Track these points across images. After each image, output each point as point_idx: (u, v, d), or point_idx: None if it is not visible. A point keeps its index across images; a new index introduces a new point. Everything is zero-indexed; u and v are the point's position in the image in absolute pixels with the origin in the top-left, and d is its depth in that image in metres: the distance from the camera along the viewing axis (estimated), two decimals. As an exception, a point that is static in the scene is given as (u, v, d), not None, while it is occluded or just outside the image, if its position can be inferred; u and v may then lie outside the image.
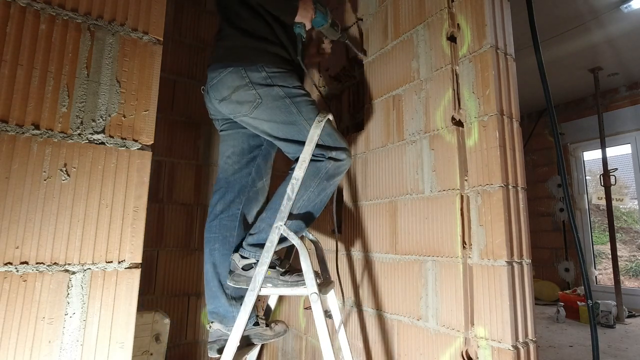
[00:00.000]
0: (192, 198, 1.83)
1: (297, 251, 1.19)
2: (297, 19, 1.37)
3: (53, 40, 0.78)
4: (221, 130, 1.49)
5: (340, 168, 1.27)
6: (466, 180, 1.23)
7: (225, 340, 1.20)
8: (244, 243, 1.29)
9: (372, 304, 1.54)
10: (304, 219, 1.28)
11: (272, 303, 1.51)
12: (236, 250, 1.32)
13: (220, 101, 1.31)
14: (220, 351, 1.25)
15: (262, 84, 1.25)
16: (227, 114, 1.35)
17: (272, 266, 1.21)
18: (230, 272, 1.28)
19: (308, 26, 1.44)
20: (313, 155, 1.23)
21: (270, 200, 1.31)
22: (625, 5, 2.80)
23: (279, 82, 1.27)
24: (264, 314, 1.48)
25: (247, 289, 1.18)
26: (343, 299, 1.67)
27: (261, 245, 1.21)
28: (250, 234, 1.29)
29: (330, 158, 1.24)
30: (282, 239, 1.20)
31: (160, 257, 1.72)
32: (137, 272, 0.82)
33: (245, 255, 1.26)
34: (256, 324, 1.35)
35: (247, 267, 1.25)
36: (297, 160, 1.25)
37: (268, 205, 1.30)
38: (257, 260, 1.21)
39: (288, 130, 1.27)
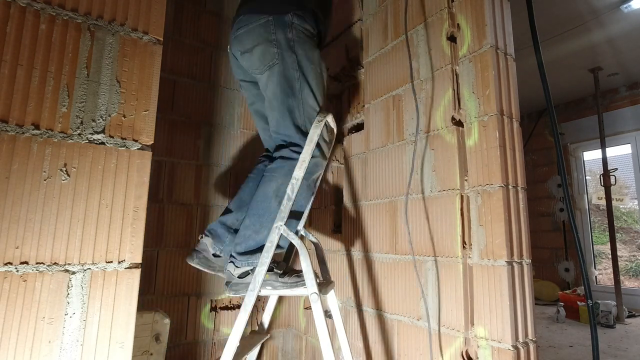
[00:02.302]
0: (192, 198, 1.83)
1: (297, 251, 1.19)
2: None
3: (53, 40, 0.78)
4: (250, 105, 1.54)
5: (318, 166, 1.31)
6: (466, 180, 1.23)
7: (205, 258, 1.30)
8: (233, 252, 1.27)
9: (372, 304, 1.54)
10: (294, 217, 1.29)
11: (272, 304, 1.51)
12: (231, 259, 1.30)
13: (242, 53, 1.34)
14: (195, 262, 1.32)
15: (285, 45, 1.29)
16: (246, 68, 1.38)
17: (269, 269, 1.21)
18: (227, 283, 1.26)
19: None
20: (292, 150, 1.27)
21: (251, 206, 1.29)
22: (625, 5, 2.80)
23: (300, 49, 1.30)
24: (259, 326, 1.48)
25: (271, 290, 1.20)
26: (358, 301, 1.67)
27: (251, 252, 1.22)
28: (237, 244, 1.27)
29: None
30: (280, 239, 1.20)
31: (160, 257, 1.72)
32: (137, 272, 0.82)
33: (238, 265, 1.25)
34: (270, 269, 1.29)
35: (244, 275, 1.24)
36: (278, 147, 1.31)
37: (249, 211, 1.28)
38: (254, 268, 1.20)
39: (284, 100, 1.30)
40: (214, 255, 1.35)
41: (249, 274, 1.23)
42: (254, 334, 1.51)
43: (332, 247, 1.82)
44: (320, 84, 1.35)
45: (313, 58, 1.34)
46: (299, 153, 1.26)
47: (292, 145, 1.30)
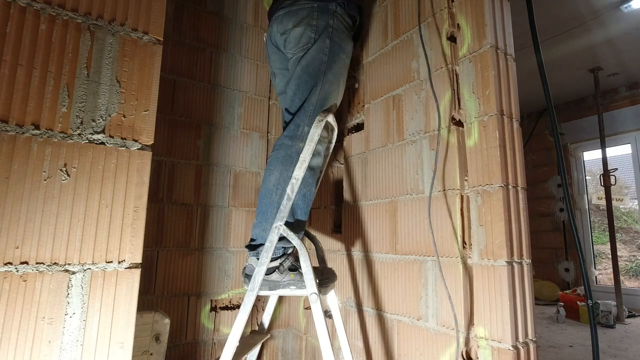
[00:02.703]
0: (192, 198, 1.83)
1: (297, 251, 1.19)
2: None
3: (53, 40, 0.78)
4: (283, 93, 1.54)
5: None
6: (466, 180, 1.23)
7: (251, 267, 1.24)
8: (250, 251, 1.27)
9: (372, 304, 1.54)
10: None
11: (272, 304, 1.51)
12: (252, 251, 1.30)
13: (282, 34, 1.38)
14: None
15: (322, 31, 1.32)
16: (283, 49, 1.41)
17: (271, 270, 1.21)
18: (247, 275, 1.24)
19: None
20: (285, 135, 1.28)
21: (257, 204, 1.30)
22: (625, 5, 2.80)
23: (336, 37, 1.34)
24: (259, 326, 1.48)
25: (269, 290, 1.20)
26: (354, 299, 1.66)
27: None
28: (252, 241, 1.28)
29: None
30: (281, 239, 1.20)
31: (160, 257, 1.72)
32: (137, 272, 0.82)
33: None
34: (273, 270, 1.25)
35: (270, 272, 1.21)
36: (285, 127, 1.32)
37: (257, 209, 1.30)
38: (280, 264, 1.21)
39: (306, 80, 1.32)
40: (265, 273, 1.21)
41: (274, 271, 1.22)
42: (254, 334, 1.51)
43: (332, 247, 1.82)
44: (344, 75, 1.38)
45: (345, 48, 1.38)
46: (291, 138, 1.28)
47: (286, 128, 1.32)
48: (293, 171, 1.20)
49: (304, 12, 1.33)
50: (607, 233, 3.65)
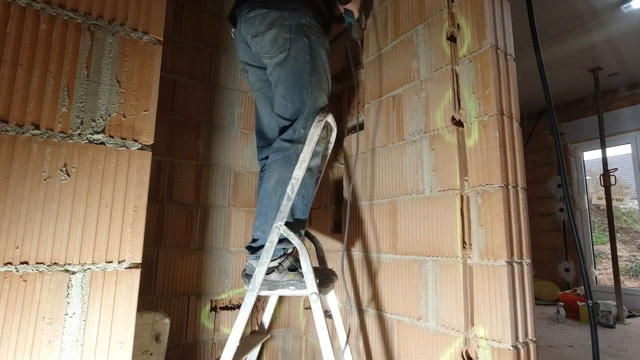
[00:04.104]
0: (192, 198, 1.83)
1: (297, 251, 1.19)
2: (349, 6, 1.54)
3: (53, 40, 0.78)
4: (257, 90, 1.53)
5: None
6: (466, 180, 1.23)
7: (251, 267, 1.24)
8: (250, 254, 1.27)
9: (372, 304, 1.54)
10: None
11: (272, 304, 1.51)
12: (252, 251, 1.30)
13: (253, 37, 1.34)
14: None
15: (297, 30, 1.30)
16: (255, 51, 1.38)
17: (271, 270, 1.21)
18: (248, 275, 1.25)
19: (356, 15, 1.58)
20: (282, 139, 1.27)
21: (257, 207, 1.30)
22: (625, 5, 2.80)
23: (312, 34, 1.33)
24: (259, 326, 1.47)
25: (268, 290, 1.20)
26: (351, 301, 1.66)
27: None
28: (253, 242, 1.29)
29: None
30: (282, 240, 1.20)
31: (160, 257, 1.72)
32: (137, 272, 0.82)
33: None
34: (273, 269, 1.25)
35: (269, 271, 1.22)
36: (281, 131, 1.30)
37: (257, 213, 1.29)
38: (279, 264, 1.21)
39: (294, 82, 1.30)
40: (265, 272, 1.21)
41: (273, 270, 1.22)
42: (254, 334, 1.51)
43: (332, 247, 1.82)
44: (329, 70, 1.37)
45: (324, 43, 1.37)
46: (289, 141, 1.27)
47: (283, 132, 1.30)
48: (292, 171, 1.20)
49: (275, 14, 1.30)
50: (607, 233, 3.65)
